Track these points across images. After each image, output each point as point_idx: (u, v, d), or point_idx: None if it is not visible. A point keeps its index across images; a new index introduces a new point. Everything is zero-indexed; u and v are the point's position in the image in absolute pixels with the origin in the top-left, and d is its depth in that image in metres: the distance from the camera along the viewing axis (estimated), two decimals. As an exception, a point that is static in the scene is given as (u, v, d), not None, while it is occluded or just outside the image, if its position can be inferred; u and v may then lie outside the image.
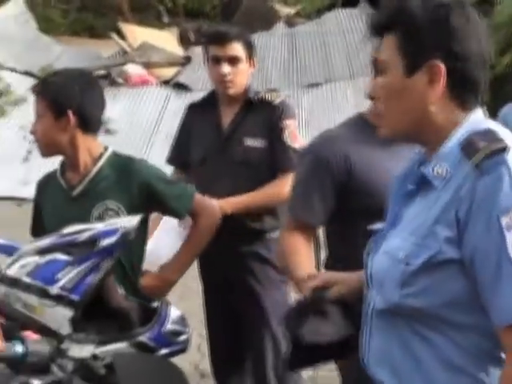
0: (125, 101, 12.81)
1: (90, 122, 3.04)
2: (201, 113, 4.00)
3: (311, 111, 12.68)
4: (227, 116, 3.88)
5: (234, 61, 3.79)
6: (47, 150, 3.04)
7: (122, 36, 15.17)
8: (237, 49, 3.79)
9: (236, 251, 3.84)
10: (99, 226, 2.30)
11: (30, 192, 9.61)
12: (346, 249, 2.71)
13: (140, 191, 3.00)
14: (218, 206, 3.60)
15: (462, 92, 1.71)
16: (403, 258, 1.67)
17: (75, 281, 2.20)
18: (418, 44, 1.69)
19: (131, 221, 2.34)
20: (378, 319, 1.80)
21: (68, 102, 2.97)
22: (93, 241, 2.24)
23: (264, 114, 3.81)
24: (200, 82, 13.08)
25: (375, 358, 1.82)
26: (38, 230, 3.14)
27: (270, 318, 3.87)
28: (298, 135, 3.85)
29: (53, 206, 3.09)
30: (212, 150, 3.86)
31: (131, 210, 2.93)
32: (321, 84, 13.50)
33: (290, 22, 16.49)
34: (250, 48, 3.88)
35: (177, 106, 12.57)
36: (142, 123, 12.16)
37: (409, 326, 1.71)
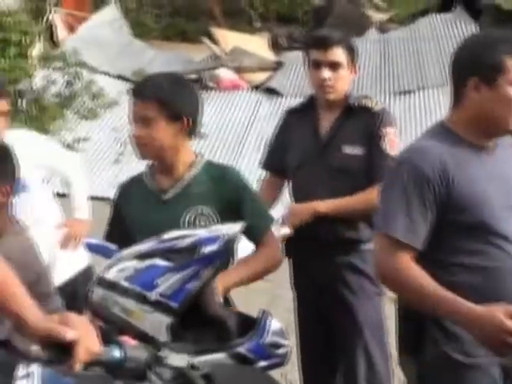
0: (216, 105, 12.87)
1: (196, 128, 3.01)
2: (299, 118, 3.95)
3: (403, 119, 12.47)
4: (326, 122, 3.82)
5: (334, 66, 3.72)
6: (152, 153, 2.97)
7: (213, 40, 15.27)
8: (338, 54, 3.72)
9: (330, 261, 3.78)
10: (201, 233, 2.24)
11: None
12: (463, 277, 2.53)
13: (229, 200, 2.95)
14: (313, 205, 3.56)
15: None
16: None
17: (174, 288, 2.15)
18: None
19: (233, 228, 2.28)
20: None
21: (183, 107, 2.92)
22: (194, 248, 2.18)
23: (363, 121, 3.74)
24: (291, 87, 13.05)
25: None
26: (113, 233, 3.11)
27: (363, 329, 3.80)
28: (398, 143, 3.76)
29: (139, 209, 3.05)
30: (309, 156, 3.81)
31: (220, 218, 2.90)
32: (413, 91, 13.28)
33: (383, 28, 16.31)
34: (351, 53, 3.80)
35: (267, 111, 12.58)
36: (232, 127, 12.20)
37: None
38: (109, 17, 15.94)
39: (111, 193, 11.11)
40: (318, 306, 3.89)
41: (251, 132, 12.15)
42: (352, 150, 3.71)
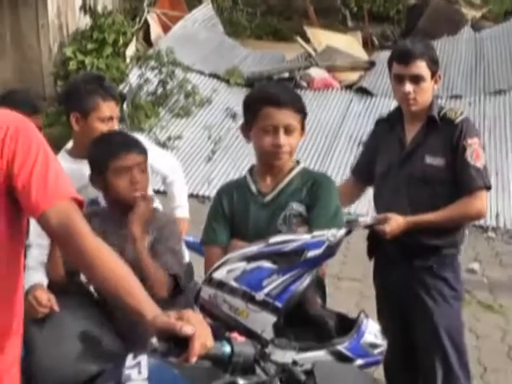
0: (308, 104, 12.90)
1: None
2: (387, 127, 4.05)
3: (496, 119, 12.32)
4: (410, 132, 3.91)
5: (416, 79, 3.80)
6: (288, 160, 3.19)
7: (306, 39, 15.36)
8: (420, 67, 3.78)
9: (410, 264, 3.86)
10: (306, 238, 2.37)
11: (212, 191, 9.93)
12: None
13: (313, 202, 3.12)
14: (404, 221, 3.65)
15: None
16: None
17: (280, 288, 2.28)
18: None
19: (337, 233, 2.40)
20: None
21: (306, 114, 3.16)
22: (299, 251, 2.31)
23: (446, 132, 3.83)
24: (383, 87, 13.03)
25: None
26: (213, 235, 3.25)
27: (442, 334, 3.85)
28: (482, 154, 3.82)
29: (242, 210, 3.21)
30: (394, 165, 3.91)
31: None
32: (507, 91, 13.09)
33: (476, 26, 16.11)
34: (434, 65, 3.87)
35: (359, 111, 12.61)
36: (324, 126, 12.26)
37: None
38: (202, 16, 16.20)
39: (204, 190, 11.32)
40: (398, 309, 3.97)
41: (343, 131, 12.20)
42: (434, 160, 3.80)
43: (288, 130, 3.09)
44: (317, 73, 13.61)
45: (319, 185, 3.18)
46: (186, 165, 11.14)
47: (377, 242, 3.89)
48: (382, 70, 13.21)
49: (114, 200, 3.34)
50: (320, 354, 2.32)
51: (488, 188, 3.83)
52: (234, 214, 3.23)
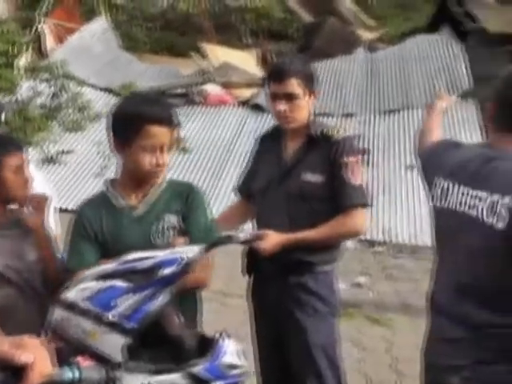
0: (202, 120, 12.93)
1: None
2: (269, 144, 4.01)
3: (387, 138, 12.57)
4: (290, 149, 3.87)
5: (290, 97, 3.77)
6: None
7: (202, 55, 15.35)
8: (293, 85, 3.76)
9: (284, 281, 3.82)
10: (161, 255, 2.29)
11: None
12: None
13: (186, 213, 3.10)
14: (281, 239, 3.61)
15: None
16: None
17: (132, 308, 2.18)
18: None
19: (193, 250, 2.32)
20: None
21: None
22: (153, 269, 2.22)
23: (325, 149, 3.74)
24: (277, 104, 13.14)
25: None
26: (78, 258, 3.12)
27: (315, 351, 3.81)
28: (360, 172, 3.75)
29: (114, 227, 3.12)
30: (273, 182, 3.86)
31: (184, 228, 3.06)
32: (399, 110, 13.39)
33: (371, 47, 16.45)
34: (310, 82, 3.83)
35: (253, 127, 12.64)
36: (217, 143, 12.24)
37: None
38: (98, 28, 15.99)
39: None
40: (274, 328, 3.92)
41: (236, 148, 12.20)
42: (312, 177, 3.74)
43: (166, 148, 3.05)
44: (212, 89, 13.60)
45: (194, 196, 3.15)
46: (75, 179, 10.93)
47: (252, 259, 3.83)
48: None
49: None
50: (175, 377, 2.23)
51: (366, 206, 3.82)
52: (103, 232, 3.12)
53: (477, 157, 2.54)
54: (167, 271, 2.25)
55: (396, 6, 23.99)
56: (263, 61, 16.80)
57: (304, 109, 3.81)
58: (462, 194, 2.50)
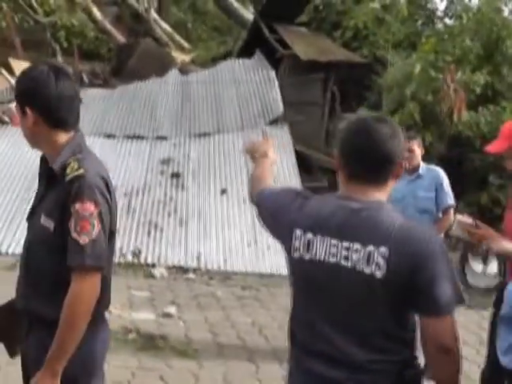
0: (8, 140, 12.39)
1: None
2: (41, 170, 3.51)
3: (199, 161, 12.52)
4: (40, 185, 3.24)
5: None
6: None
7: (11, 72, 14.75)
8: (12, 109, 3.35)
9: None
10: None
11: None
12: None
13: None
14: None
15: None
16: None
17: None
18: None
19: None
20: None
21: None
22: None
23: (61, 190, 3.00)
24: (90, 124, 12.79)
25: None
26: None
27: None
28: (90, 225, 2.93)
29: None
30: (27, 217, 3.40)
31: None
32: (211, 134, 13.38)
33: (184, 69, 16.39)
34: (22, 100, 3.08)
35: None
36: (24, 165, 11.65)
37: None
38: None
39: None
40: None
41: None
42: (46, 221, 3.03)
43: None
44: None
45: None
46: None
47: None
48: (90, 107, 13.00)
49: None
50: None
51: (98, 269, 2.94)
52: None
53: (340, 209, 2.62)
54: None
55: (212, 29, 24.25)
56: (77, 80, 16.34)
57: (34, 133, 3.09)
58: (331, 245, 2.59)
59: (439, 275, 2.46)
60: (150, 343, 6.70)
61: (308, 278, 2.68)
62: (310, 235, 2.64)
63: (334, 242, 2.58)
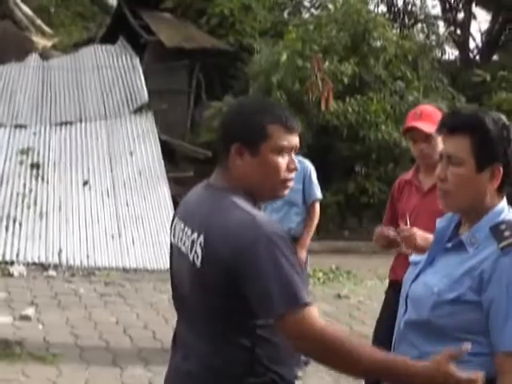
0: None
1: None
2: None
3: (61, 151, 11.98)
4: None
5: None
6: None
7: None
8: None
9: None
10: None
11: None
12: None
13: None
14: None
15: (503, 186, 2.43)
16: (436, 291, 2.40)
17: None
18: (489, 151, 2.38)
19: None
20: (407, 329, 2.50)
21: None
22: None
23: None
24: None
25: None
26: None
27: None
28: None
29: None
30: None
31: None
32: (73, 123, 12.84)
33: (45, 55, 15.72)
34: None
35: None
36: None
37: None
38: None
39: None
40: None
41: None
42: None
43: None
44: None
45: None
46: None
47: None
48: None
49: None
50: None
51: None
52: None
53: (195, 194, 2.55)
54: None
55: (75, 15, 23.44)
56: None
57: None
58: (181, 230, 2.50)
59: (260, 273, 2.20)
60: (4, 350, 6.20)
61: (171, 264, 2.64)
62: (177, 219, 2.58)
63: (182, 226, 2.51)
